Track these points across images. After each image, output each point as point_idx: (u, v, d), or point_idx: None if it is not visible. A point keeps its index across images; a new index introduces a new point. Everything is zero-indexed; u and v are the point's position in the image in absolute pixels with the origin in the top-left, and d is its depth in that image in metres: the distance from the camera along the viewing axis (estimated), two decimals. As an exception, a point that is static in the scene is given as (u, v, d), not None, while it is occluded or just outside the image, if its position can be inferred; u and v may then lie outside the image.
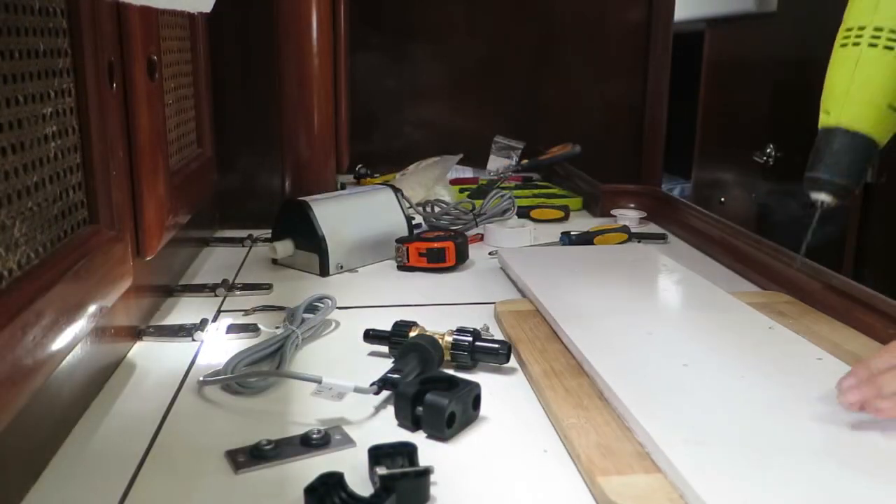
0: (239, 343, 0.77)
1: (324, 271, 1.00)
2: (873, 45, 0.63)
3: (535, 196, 1.44)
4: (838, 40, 0.66)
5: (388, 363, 0.69)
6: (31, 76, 0.53)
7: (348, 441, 0.58)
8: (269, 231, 1.06)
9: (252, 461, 0.55)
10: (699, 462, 0.50)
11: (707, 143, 2.54)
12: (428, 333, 0.72)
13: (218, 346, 0.77)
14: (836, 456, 0.51)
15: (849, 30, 0.65)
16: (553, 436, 0.59)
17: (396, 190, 1.11)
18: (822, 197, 0.66)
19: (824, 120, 0.66)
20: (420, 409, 0.59)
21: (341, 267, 1.01)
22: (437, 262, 1.01)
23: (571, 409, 0.60)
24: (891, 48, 0.63)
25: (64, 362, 0.55)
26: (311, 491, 0.47)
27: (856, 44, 0.64)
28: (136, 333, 0.78)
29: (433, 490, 0.51)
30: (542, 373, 0.67)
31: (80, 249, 0.58)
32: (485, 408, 0.62)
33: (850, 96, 0.64)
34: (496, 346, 0.70)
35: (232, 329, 0.80)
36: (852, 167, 0.65)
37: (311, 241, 1.00)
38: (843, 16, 0.67)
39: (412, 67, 1.87)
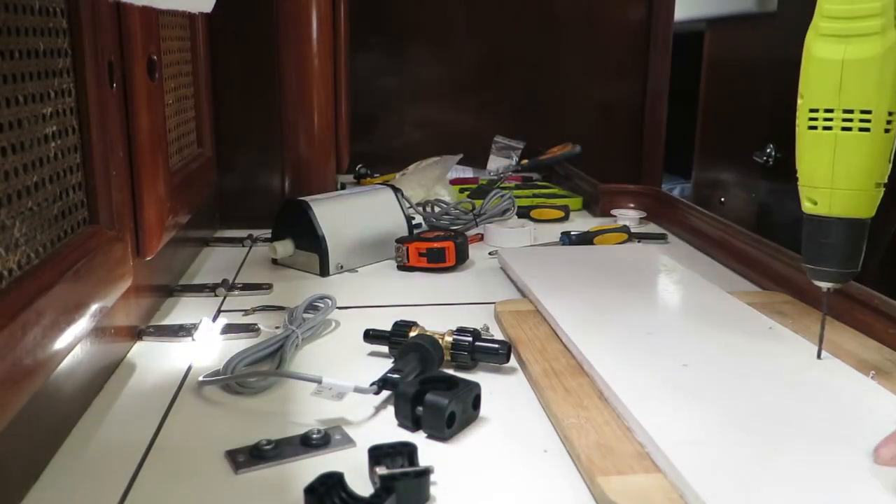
0: (238, 343, 0.77)
1: (324, 271, 1.00)
2: (847, 129, 0.59)
3: (535, 196, 1.44)
4: (803, 121, 0.61)
5: (388, 363, 0.69)
6: (31, 76, 0.53)
7: (348, 441, 0.58)
8: (269, 231, 1.06)
9: (252, 461, 0.55)
10: (699, 462, 0.50)
11: (707, 143, 2.54)
12: (428, 333, 0.72)
13: (218, 346, 0.77)
14: (835, 456, 0.51)
15: (814, 111, 0.60)
16: (553, 436, 0.59)
17: (396, 190, 1.11)
18: (829, 285, 0.65)
19: (811, 209, 0.62)
20: (420, 409, 0.59)
21: (341, 267, 1.01)
22: (437, 262, 1.01)
23: (571, 409, 0.60)
24: (866, 129, 0.58)
25: (64, 362, 0.55)
26: (311, 491, 0.47)
27: (827, 128, 0.59)
28: (136, 333, 0.78)
29: (433, 490, 0.51)
30: (541, 372, 0.67)
31: (80, 249, 0.58)
32: (485, 408, 0.62)
33: (835, 185, 0.60)
34: (496, 346, 0.70)
35: (231, 329, 0.80)
36: (854, 252, 0.62)
37: (311, 241, 1.00)
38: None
39: (412, 67, 1.87)
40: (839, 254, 0.62)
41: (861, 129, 0.59)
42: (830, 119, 0.60)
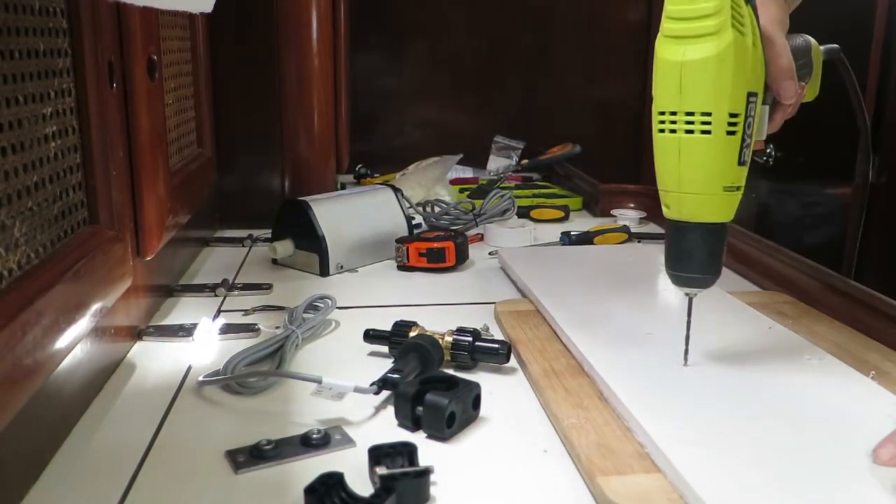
0: (238, 343, 0.77)
1: (324, 271, 1.00)
2: (690, 132, 0.57)
3: (535, 196, 1.44)
4: (655, 124, 0.59)
5: (388, 363, 0.69)
6: (31, 76, 0.53)
7: (348, 441, 0.58)
8: (269, 231, 1.06)
9: (252, 461, 0.55)
10: (699, 462, 0.50)
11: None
12: (428, 333, 0.72)
13: (217, 346, 0.77)
14: (834, 456, 0.51)
15: (661, 114, 0.59)
16: (553, 436, 0.59)
17: (396, 190, 1.11)
18: (689, 291, 0.64)
19: (666, 213, 0.61)
20: (420, 409, 0.59)
21: (341, 267, 1.01)
22: (437, 262, 1.01)
23: (571, 410, 0.60)
24: (707, 132, 0.57)
25: (64, 362, 0.55)
26: (311, 491, 0.47)
27: (672, 130, 0.58)
28: (136, 333, 0.78)
29: (433, 490, 0.51)
30: (541, 372, 0.67)
31: (80, 249, 0.58)
32: (485, 408, 0.62)
33: (682, 189, 0.59)
34: (496, 346, 0.70)
35: (231, 329, 0.80)
36: (710, 256, 0.61)
37: (311, 241, 1.00)
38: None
39: (412, 67, 1.87)
40: (694, 258, 0.61)
41: (703, 132, 0.57)
42: (675, 122, 0.58)
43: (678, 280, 0.63)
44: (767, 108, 0.62)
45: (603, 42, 1.91)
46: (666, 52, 0.58)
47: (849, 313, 0.78)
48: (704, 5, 0.55)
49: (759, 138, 0.61)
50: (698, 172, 0.59)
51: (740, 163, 0.59)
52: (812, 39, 0.70)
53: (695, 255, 0.61)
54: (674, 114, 0.58)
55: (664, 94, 0.59)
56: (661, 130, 0.59)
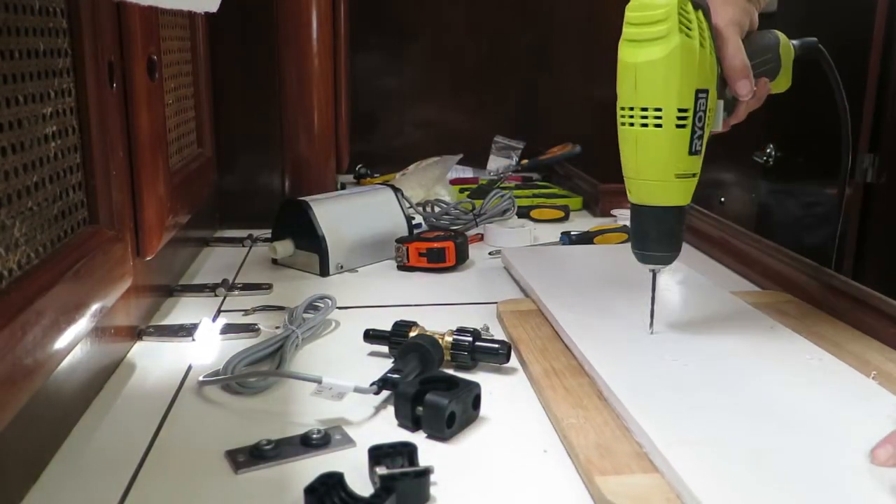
0: (238, 343, 0.77)
1: (324, 271, 1.00)
2: (644, 125, 0.64)
3: (535, 196, 1.44)
4: (618, 118, 0.66)
5: (388, 363, 0.69)
6: (31, 76, 0.53)
7: (348, 441, 0.58)
8: (269, 231, 1.06)
9: (252, 461, 0.55)
10: (696, 462, 0.50)
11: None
12: (428, 333, 0.72)
13: (217, 345, 0.77)
14: (834, 457, 0.51)
15: (622, 109, 0.65)
16: (553, 436, 0.59)
17: (396, 190, 1.11)
18: (653, 268, 0.70)
19: (630, 197, 0.68)
20: (420, 409, 0.59)
21: (341, 267, 1.01)
22: (437, 262, 1.01)
23: (571, 409, 0.60)
24: (659, 125, 0.63)
25: (64, 362, 0.55)
26: (311, 491, 0.47)
27: (630, 124, 0.65)
28: (136, 333, 0.78)
29: (433, 490, 0.51)
30: (542, 372, 0.67)
31: (80, 249, 0.58)
32: (485, 408, 0.62)
33: (639, 176, 0.66)
34: (496, 346, 0.70)
35: (231, 329, 0.80)
36: (668, 237, 0.68)
37: (311, 241, 1.00)
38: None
39: (412, 67, 1.87)
40: (653, 238, 0.68)
41: (655, 126, 0.64)
42: (632, 116, 0.65)
43: (641, 258, 0.69)
44: (722, 102, 0.67)
45: (603, 41, 1.90)
46: (625, 54, 0.65)
47: (849, 313, 0.78)
48: (654, 12, 0.62)
49: (714, 129, 0.67)
50: (652, 161, 0.65)
51: (691, 152, 0.65)
52: (781, 35, 0.75)
53: (653, 235, 0.68)
54: (631, 109, 0.65)
55: (624, 92, 0.65)
56: (623, 123, 0.66)
